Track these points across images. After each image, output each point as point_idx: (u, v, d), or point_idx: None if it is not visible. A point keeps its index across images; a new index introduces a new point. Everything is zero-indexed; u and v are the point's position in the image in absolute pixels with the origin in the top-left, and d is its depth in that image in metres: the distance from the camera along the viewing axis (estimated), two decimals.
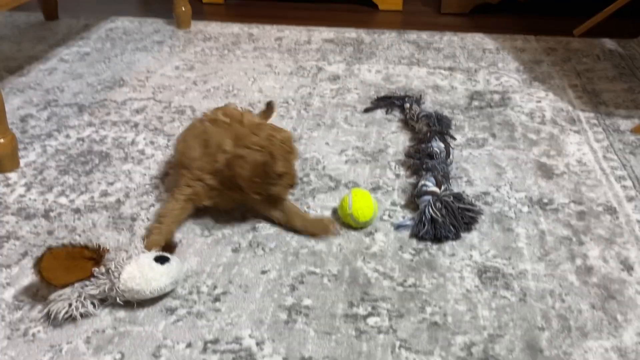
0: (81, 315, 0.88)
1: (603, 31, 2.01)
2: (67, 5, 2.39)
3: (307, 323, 0.88)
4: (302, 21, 2.22)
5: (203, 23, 2.19)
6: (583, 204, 1.14)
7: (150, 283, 0.87)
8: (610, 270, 0.97)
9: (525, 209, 1.13)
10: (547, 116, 1.49)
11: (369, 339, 0.85)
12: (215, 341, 0.85)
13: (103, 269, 0.87)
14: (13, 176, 1.26)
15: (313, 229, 1.06)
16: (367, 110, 1.53)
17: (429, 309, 0.90)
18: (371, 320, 0.88)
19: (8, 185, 1.23)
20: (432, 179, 1.11)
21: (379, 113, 1.52)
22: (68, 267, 0.85)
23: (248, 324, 0.88)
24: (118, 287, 0.87)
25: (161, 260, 0.89)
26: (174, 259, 0.91)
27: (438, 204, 1.06)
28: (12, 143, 1.26)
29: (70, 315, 0.87)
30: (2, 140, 1.23)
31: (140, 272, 0.86)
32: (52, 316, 0.87)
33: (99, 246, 0.89)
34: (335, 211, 1.13)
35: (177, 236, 1.05)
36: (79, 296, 0.87)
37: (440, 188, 1.10)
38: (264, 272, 0.98)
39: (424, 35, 2.04)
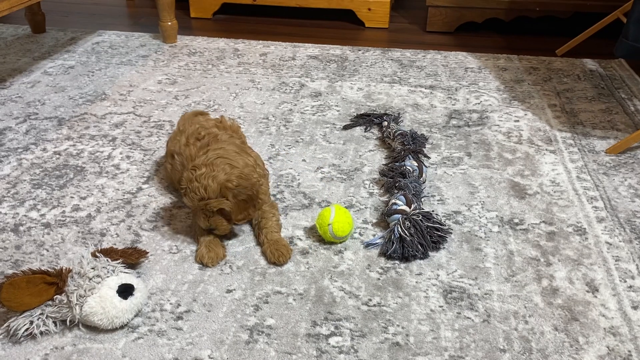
0: (41, 333, 0.87)
1: (585, 51, 2.03)
2: (55, 18, 2.41)
3: (268, 343, 0.87)
4: (289, 37, 2.24)
5: (189, 37, 2.21)
6: (553, 225, 1.15)
7: (112, 321, 0.87)
8: (576, 292, 0.97)
9: (495, 228, 1.13)
10: (524, 135, 1.50)
11: (330, 359, 0.85)
12: None
13: (65, 299, 0.86)
14: None
15: (270, 250, 1.05)
16: (346, 128, 1.54)
17: (391, 329, 0.90)
18: (333, 340, 0.88)
19: None
20: (403, 198, 1.11)
21: (358, 130, 1.53)
22: (30, 294, 0.84)
23: (208, 344, 0.87)
24: (79, 319, 0.87)
25: (125, 292, 0.87)
26: (138, 287, 0.90)
27: (407, 223, 1.06)
28: None
29: (30, 333, 0.86)
30: None
31: (103, 309, 0.86)
32: (11, 333, 0.86)
33: (61, 269, 0.88)
34: (306, 229, 1.13)
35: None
36: (41, 314, 0.86)
37: (410, 207, 1.10)
38: (229, 291, 0.98)
39: (408, 53, 2.06)
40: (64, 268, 0.89)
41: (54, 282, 0.87)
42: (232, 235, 1.11)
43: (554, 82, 1.82)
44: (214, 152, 1.07)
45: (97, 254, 0.92)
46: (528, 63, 1.98)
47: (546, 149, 1.43)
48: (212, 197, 1.01)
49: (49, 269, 0.89)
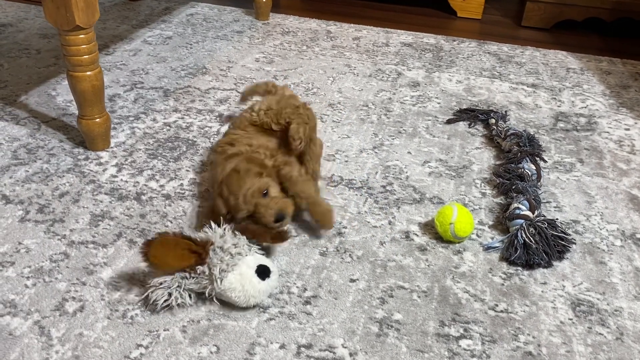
0: (178, 305, 0.89)
1: None
2: None
3: (398, 338, 0.88)
4: (379, 22, 2.21)
5: (281, 16, 2.20)
6: None
7: (248, 299, 0.88)
8: None
9: (618, 242, 1.10)
10: (636, 146, 1.44)
11: None
12: (309, 346, 0.86)
13: (206, 270, 0.88)
14: (104, 155, 1.30)
15: (318, 216, 1.05)
16: (449, 122, 1.51)
17: (522, 338, 0.89)
18: (464, 343, 0.87)
19: (100, 164, 1.27)
20: (526, 203, 1.09)
21: (462, 125, 1.50)
22: (175, 256, 0.86)
23: (340, 332, 0.88)
24: (217, 293, 0.89)
25: (263, 274, 0.88)
26: (273, 271, 0.91)
27: (531, 229, 1.04)
28: (107, 123, 1.29)
29: (168, 305, 0.89)
30: (98, 120, 1.26)
31: (242, 286, 0.87)
32: (151, 302, 0.89)
33: (206, 241, 0.90)
34: (421, 225, 1.12)
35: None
36: (179, 287, 0.89)
37: (533, 213, 1.08)
38: (352, 281, 0.98)
39: (505, 48, 2.00)
40: (208, 240, 0.91)
41: (197, 251, 0.89)
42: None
43: None
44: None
45: (236, 232, 0.94)
46: (633, 68, 1.90)
47: None
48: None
49: (197, 238, 0.90)
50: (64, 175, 1.22)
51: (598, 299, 0.97)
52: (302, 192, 1.05)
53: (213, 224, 0.94)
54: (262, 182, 1.00)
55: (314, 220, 1.06)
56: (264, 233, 0.95)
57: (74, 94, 1.22)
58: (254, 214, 1.00)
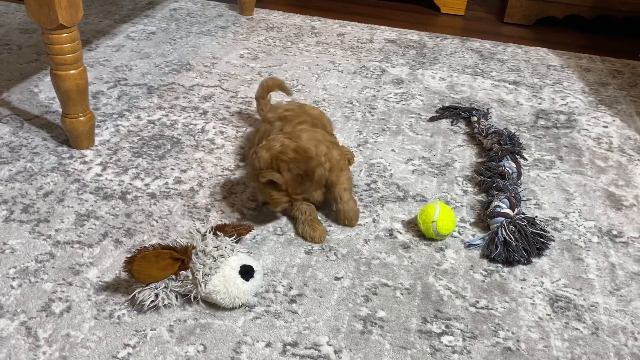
0: (164, 305, 0.90)
1: None
2: None
3: (382, 335, 0.90)
4: (363, 18, 2.21)
5: (264, 11, 2.20)
6: None
7: (234, 301, 0.89)
8: None
9: (595, 239, 1.13)
10: (614, 143, 1.48)
11: (444, 358, 0.87)
12: (294, 344, 0.87)
13: (190, 275, 0.89)
14: (89, 154, 1.29)
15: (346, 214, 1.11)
16: (432, 119, 1.53)
17: (502, 333, 0.91)
18: (445, 339, 0.90)
19: (84, 162, 1.26)
20: (506, 201, 1.12)
21: (444, 123, 1.52)
22: (158, 268, 0.87)
23: (325, 330, 0.90)
24: (201, 296, 0.90)
25: (246, 274, 0.90)
26: (257, 269, 0.92)
27: (511, 227, 1.06)
28: (91, 121, 1.29)
29: (155, 305, 0.89)
30: (82, 118, 1.26)
31: (226, 288, 0.88)
32: (138, 302, 0.89)
33: (186, 246, 0.91)
34: (404, 223, 1.14)
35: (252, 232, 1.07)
36: (165, 287, 0.89)
37: (513, 210, 1.10)
38: (337, 279, 1.00)
39: (487, 45, 2.03)
40: (189, 245, 0.92)
41: (179, 257, 0.89)
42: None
43: None
44: (284, 132, 1.09)
45: (218, 233, 0.95)
46: (611, 65, 1.93)
47: (639, 159, 1.41)
48: (263, 168, 1.02)
49: (176, 245, 0.91)
50: (48, 174, 1.21)
51: (575, 295, 1.00)
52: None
53: (193, 229, 0.95)
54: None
55: (341, 217, 1.11)
56: (234, 228, 0.97)
57: (58, 92, 1.21)
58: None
